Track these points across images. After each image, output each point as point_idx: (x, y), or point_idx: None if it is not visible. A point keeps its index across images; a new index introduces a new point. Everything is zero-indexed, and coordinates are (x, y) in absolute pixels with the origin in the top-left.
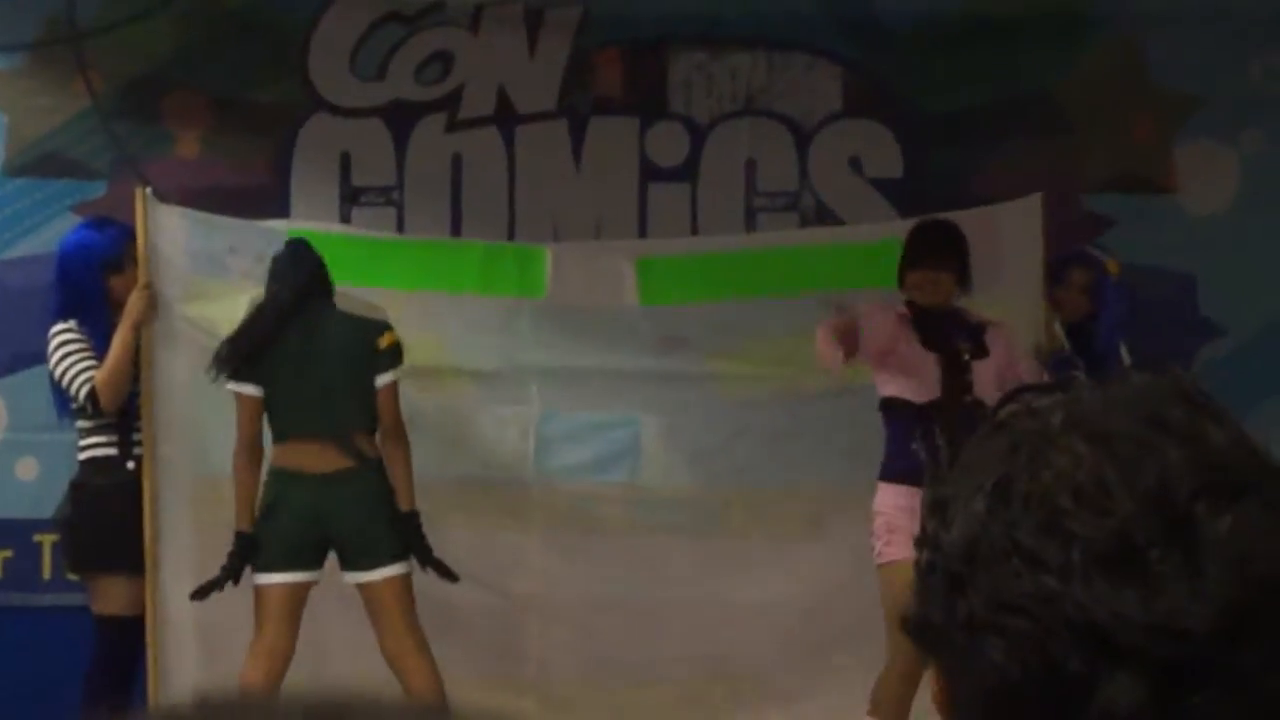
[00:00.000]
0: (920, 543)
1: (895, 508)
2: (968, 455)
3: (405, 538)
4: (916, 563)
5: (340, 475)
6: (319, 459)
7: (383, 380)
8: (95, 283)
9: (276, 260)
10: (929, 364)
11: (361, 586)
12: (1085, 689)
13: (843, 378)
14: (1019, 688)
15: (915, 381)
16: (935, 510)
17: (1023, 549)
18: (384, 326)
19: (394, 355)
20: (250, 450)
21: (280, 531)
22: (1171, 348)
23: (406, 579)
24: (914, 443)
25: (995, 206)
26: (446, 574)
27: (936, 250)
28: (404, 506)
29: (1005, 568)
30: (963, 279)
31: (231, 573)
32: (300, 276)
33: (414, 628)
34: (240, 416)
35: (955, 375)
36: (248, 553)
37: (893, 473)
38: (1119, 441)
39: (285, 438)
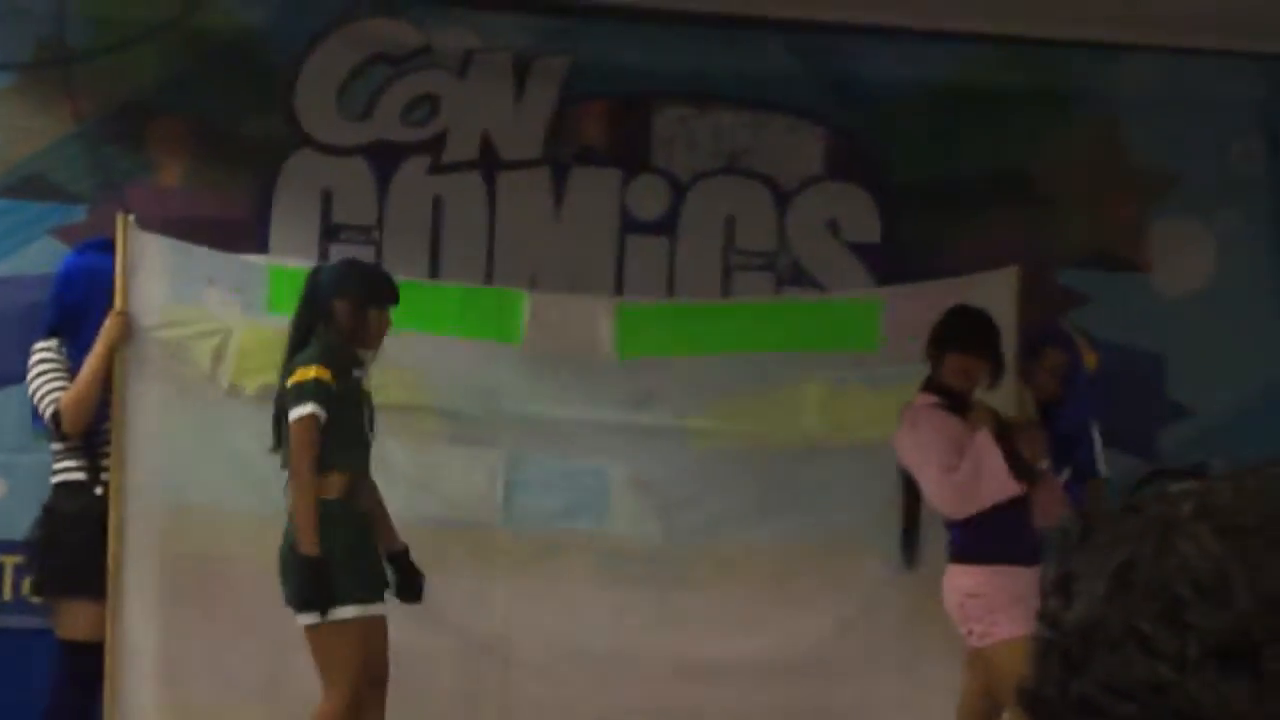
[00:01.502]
0: (1040, 616)
1: (995, 587)
2: (1097, 536)
3: (298, 581)
4: (1036, 636)
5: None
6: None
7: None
8: (100, 304)
9: None
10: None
11: None
12: None
13: (813, 438)
14: None
15: None
16: (1058, 587)
17: (1139, 635)
18: (298, 364)
19: (294, 393)
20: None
21: None
22: (1138, 428)
23: (313, 629)
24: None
25: (972, 277)
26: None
27: (982, 337)
28: (301, 550)
29: (1120, 653)
30: (996, 371)
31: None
32: (301, 303)
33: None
34: None
35: (1012, 450)
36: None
37: (987, 554)
38: (1247, 536)
39: None
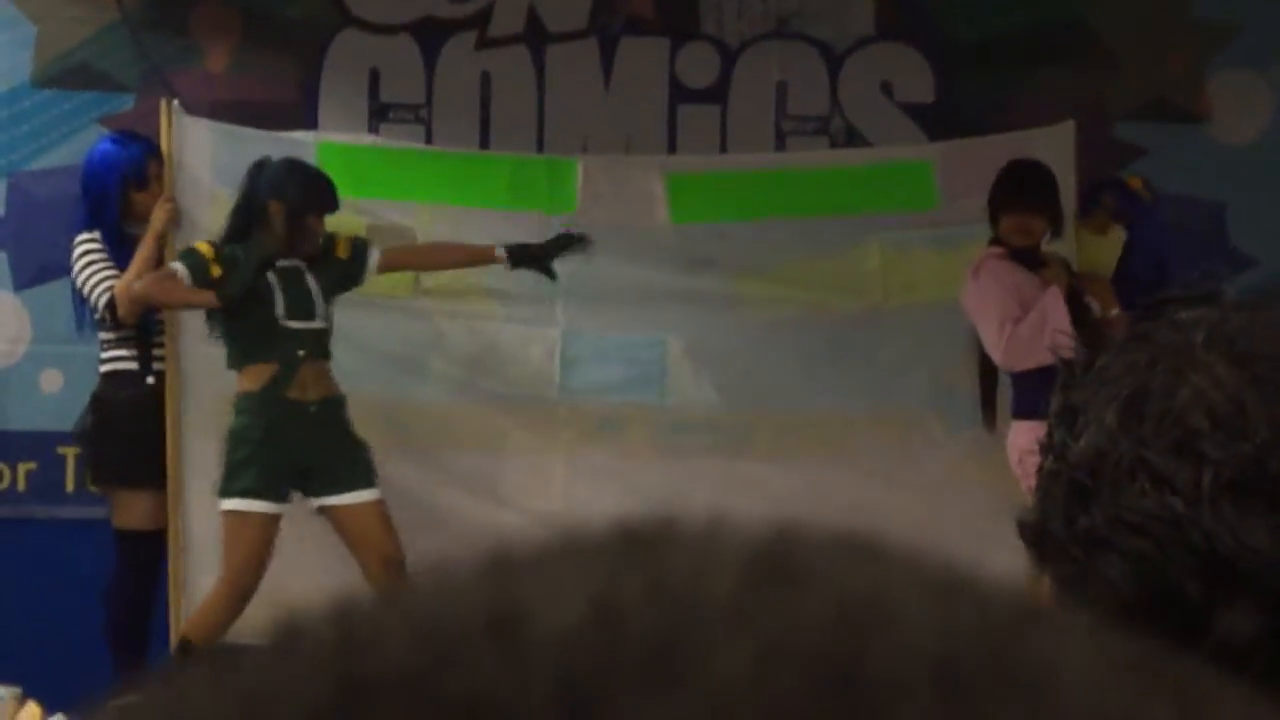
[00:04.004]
0: (1045, 449)
1: None
2: (1103, 363)
3: None
4: (1039, 468)
5: None
6: None
7: None
8: (113, 197)
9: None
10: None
11: None
12: (1203, 616)
13: (873, 301)
14: (1133, 608)
15: None
16: (1064, 417)
17: (1151, 467)
18: None
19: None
20: None
21: None
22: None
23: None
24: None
25: (1028, 132)
26: None
27: (1036, 194)
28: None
29: (1131, 485)
30: (1055, 222)
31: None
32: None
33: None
34: None
35: (1078, 304)
36: None
37: (1046, 410)
38: (1262, 365)
39: None
